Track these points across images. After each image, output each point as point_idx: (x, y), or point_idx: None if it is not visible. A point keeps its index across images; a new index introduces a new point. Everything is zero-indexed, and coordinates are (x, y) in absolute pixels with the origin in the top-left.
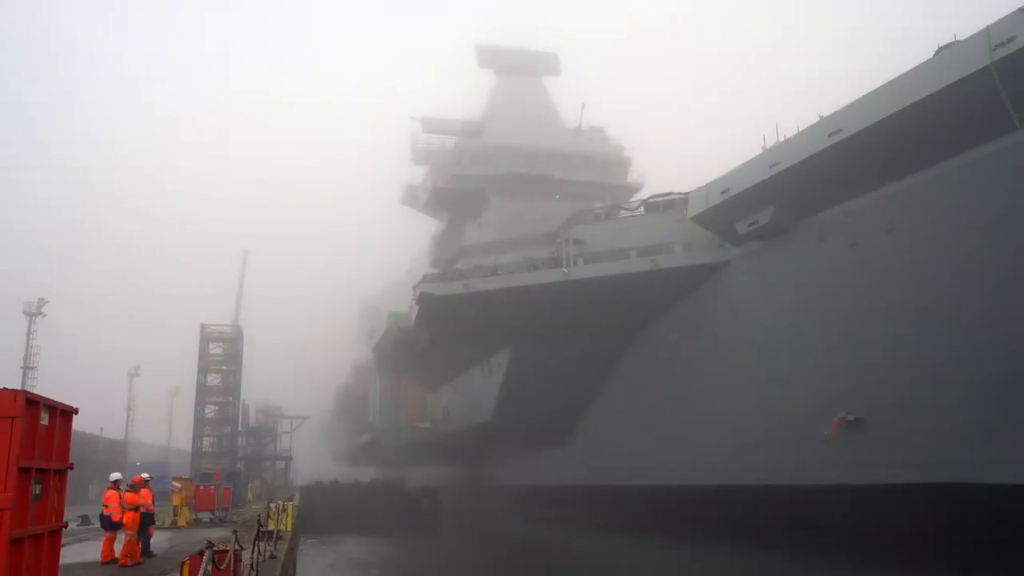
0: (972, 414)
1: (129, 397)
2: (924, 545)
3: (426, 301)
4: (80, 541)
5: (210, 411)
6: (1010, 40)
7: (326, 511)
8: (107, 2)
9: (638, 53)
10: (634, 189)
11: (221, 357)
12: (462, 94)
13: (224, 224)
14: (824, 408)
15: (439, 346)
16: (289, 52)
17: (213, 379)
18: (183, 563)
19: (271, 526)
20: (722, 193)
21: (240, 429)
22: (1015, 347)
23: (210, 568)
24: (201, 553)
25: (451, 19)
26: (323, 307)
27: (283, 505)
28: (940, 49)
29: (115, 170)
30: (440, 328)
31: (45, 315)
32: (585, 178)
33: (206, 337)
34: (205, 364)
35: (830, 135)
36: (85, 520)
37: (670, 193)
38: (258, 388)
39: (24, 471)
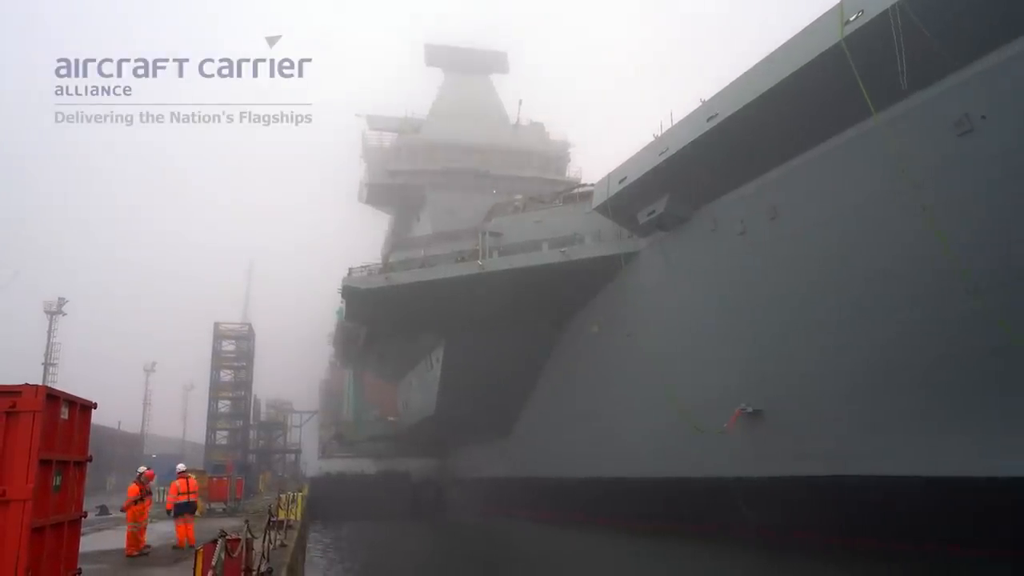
0: (861, 405)
1: (145, 392)
2: (821, 538)
3: (349, 295)
4: (98, 531)
5: (223, 406)
6: (860, 13)
7: (334, 501)
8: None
9: (592, 51)
10: (573, 184)
11: (234, 354)
12: (421, 92)
13: (233, 222)
14: (726, 400)
15: (378, 341)
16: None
17: (226, 375)
18: (197, 551)
19: (281, 516)
20: (620, 182)
21: (252, 423)
22: (900, 337)
23: (223, 556)
24: (214, 542)
25: (412, 18)
26: (326, 304)
27: (293, 496)
28: None
29: (130, 181)
30: (371, 322)
31: (65, 314)
32: (524, 173)
33: (219, 335)
34: (218, 361)
35: (708, 120)
36: (103, 510)
37: (584, 184)
38: (269, 384)
39: (45, 463)
